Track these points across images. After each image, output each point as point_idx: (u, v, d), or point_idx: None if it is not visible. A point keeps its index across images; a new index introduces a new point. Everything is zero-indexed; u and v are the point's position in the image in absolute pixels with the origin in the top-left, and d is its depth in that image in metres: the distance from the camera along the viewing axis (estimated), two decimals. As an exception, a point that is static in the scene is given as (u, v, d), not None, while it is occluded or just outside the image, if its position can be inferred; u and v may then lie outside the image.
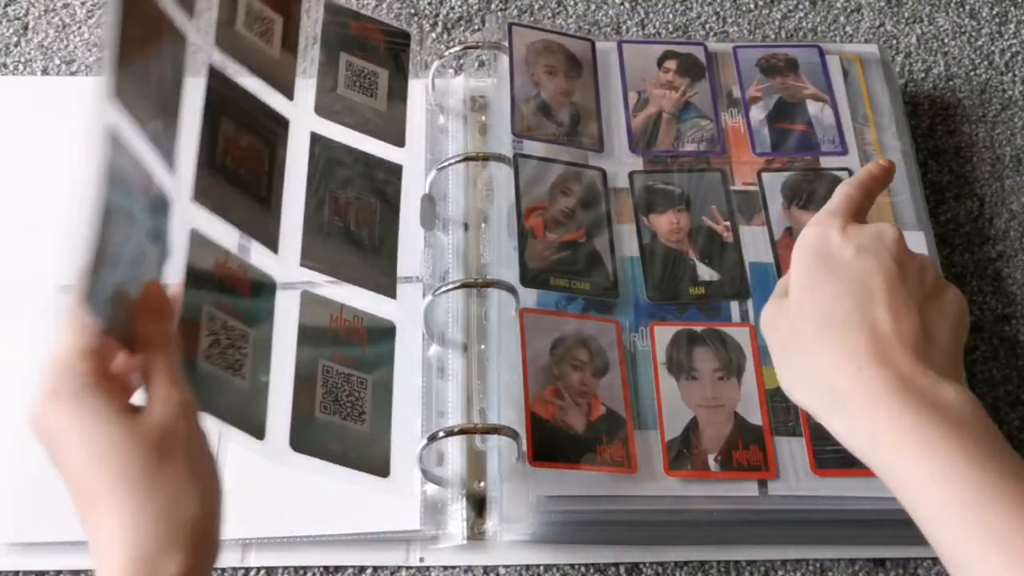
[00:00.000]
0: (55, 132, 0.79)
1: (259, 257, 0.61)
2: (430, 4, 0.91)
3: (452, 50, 0.81)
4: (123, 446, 0.45)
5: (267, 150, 0.64)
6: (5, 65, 0.85)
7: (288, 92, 0.67)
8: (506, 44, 0.80)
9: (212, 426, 0.51)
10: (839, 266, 0.50)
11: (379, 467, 0.62)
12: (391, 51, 0.76)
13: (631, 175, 0.77)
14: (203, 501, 0.46)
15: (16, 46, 0.86)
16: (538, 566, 0.67)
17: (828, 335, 0.49)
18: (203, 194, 0.57)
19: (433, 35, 0.89)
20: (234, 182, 0.60)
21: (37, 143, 0.80)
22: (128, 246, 0.48)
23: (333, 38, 0.73)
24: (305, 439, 0.59)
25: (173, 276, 0.53)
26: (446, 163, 0.75)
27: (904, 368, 0.46)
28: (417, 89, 0.79)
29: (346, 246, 0.67)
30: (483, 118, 0.82)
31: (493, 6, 0.91)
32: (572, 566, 0.67)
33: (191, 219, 0.56)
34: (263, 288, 0.60)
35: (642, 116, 0.80)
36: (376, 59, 0.75)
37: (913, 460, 0.44)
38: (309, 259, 0.64)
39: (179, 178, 0.54)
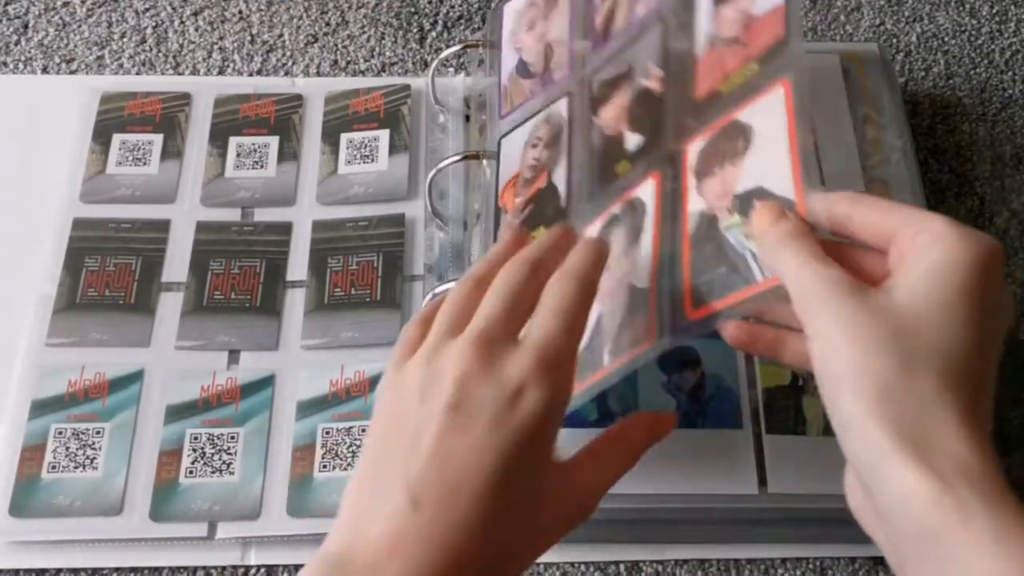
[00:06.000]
0: (55, 132, 0.80)
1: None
2: (430, 3, 0.91)
3: (452, 48, 0.81)
4: None
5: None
6: (5, 64, 0.85)
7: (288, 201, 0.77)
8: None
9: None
10: None
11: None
12: (392, 111, 0.81)
13: (590, 80, 0.67)
14: None
15: (16, 45, 0.86)
16: (538, 565, 0.67)
17: None
18: None
19: (433, 34, 0.89)
20: None
21: (37, 143, 0.80)
22: None
23: (333, 125, 0.80)
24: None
25: None
26: (444, 162, 0.75)
27: None
28: (418, 88, 0.79)
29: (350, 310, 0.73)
30: (484, 117, 0.82)
31: (493, 5, 0.91)
32: (572, 565, 0.67)
33: None
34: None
35: (607, 4, 0.69)
36: (377, 124, 0.80)
37: None
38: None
39: None
